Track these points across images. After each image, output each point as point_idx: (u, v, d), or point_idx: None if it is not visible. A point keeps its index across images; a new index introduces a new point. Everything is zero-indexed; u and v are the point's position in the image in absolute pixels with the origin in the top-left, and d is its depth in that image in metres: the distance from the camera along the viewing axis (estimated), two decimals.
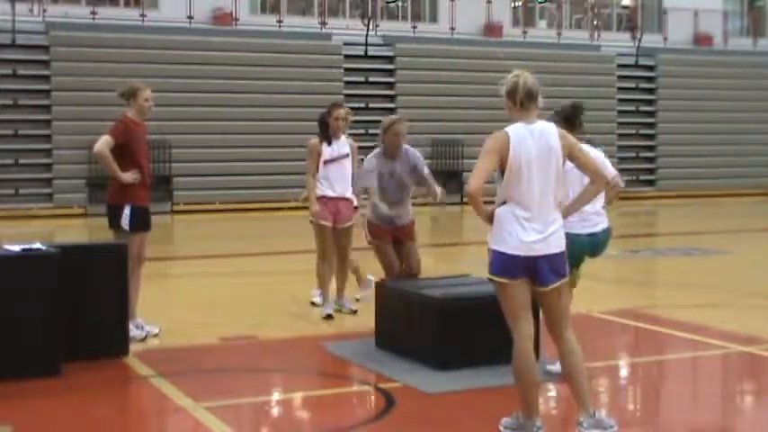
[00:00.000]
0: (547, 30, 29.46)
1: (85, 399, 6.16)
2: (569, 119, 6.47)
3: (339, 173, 8.82)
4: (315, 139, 8.90)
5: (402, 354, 6.98)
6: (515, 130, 5.04)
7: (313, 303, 9.31)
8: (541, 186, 5.02)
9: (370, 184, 8.01)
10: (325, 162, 8.80)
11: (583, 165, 5.22)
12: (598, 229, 6.44)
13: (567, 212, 5.22)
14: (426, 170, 8.12)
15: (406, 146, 8.07)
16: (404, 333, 7.12)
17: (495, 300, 5.16)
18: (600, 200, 6.37)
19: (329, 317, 8.67)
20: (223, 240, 17.70)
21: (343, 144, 8.90)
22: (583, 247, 6.35)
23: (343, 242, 8.93)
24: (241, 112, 23.76)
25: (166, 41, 23.54)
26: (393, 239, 8.12)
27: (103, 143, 7.60)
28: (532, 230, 4.99)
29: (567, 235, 6.15)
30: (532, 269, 5.00)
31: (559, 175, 5.09)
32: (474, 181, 4.94)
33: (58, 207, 22.25)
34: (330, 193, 8.79)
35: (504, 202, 5.06)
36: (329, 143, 8.83)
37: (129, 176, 7.65)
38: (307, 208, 9.11)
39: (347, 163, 8.89)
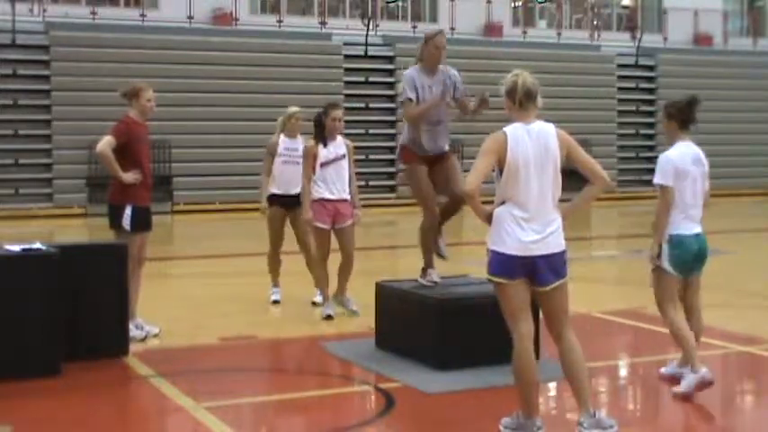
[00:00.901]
0: (547, 30, 29.47)
1: (85, 399, 6.16)
2: (683, 114, 6.43)
3: (337, 174, 8.74)
4: (310, 142, 8.84)
5: (402, 354, 6.98)
6: (513, 130, 5.05)
7: (313, 303, 9.32)
8: (539, 186, 5.02)
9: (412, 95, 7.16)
10: (322, 164, 8.70)
11: (581, 165, 5.21)
12: (700, 229, 6.34)
13: (567, 213, 5.21)
14: (463, 88, 7.35)
15: (447, 67, 7.31)
16: (404, 333, 7.12)
17: (495, 300, 5.16)
18: (702, 202, 6.33)
19: (329, 317, 8.67)
20: (223, 240, 17.70)
21: (339, 144, 8.82)
22: (691, 248, 6.25)
23: (344, 242, 8.86)
24: (241, 112, 23.74)
25: (166, 41, 23.54)
26: (428, 164, 7.29)
27: (105, 143, 7.61)
28: (531, 230, 4.99)
29: (678, 236, 6.11)
30: (531, 269, 5.00)
31: (558, 175, 5.09)
32: (471, 181, 4.95)
33: (58, 207, 22.25)
34: (328, 195, 8.70)
35: (503, 203, 5.06)
36: (325, 144, 8.75)
37: (130, 176, 7.65)
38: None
39: (344, 163, 8.81)
